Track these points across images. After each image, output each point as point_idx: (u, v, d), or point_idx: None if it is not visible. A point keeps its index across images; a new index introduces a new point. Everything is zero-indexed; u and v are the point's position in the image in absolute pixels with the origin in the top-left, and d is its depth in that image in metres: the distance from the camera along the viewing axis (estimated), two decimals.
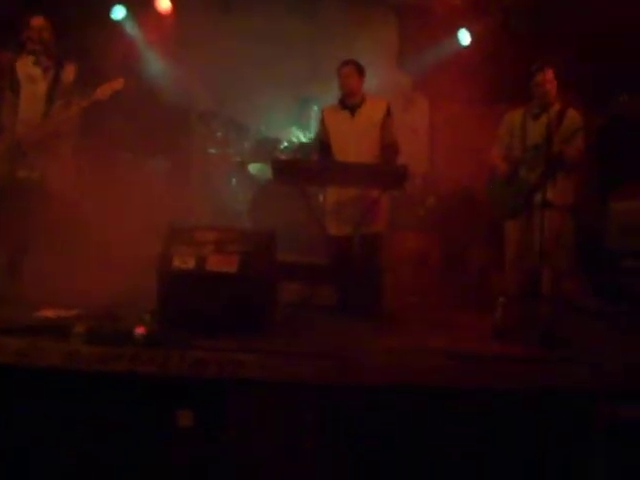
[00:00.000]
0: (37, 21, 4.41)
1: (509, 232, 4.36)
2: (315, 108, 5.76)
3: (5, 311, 3.68)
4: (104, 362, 3.12)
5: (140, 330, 3.28)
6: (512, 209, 4.29)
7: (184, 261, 3.64)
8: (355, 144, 4.49)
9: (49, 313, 3.70)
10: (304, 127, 5.93)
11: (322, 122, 4.71)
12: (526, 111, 4.40)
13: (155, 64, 6.09)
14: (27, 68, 4.45)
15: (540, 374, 3.23)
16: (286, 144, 5.82)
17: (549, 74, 4.30)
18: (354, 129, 4.53)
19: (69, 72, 4.45)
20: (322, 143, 4.70)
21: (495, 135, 4.53)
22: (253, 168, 5.86)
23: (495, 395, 3.16)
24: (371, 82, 4.88)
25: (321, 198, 4.97)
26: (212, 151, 6.08)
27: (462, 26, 6.01)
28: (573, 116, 4.30)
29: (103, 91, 4.32)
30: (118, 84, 4.35)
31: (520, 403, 3.17)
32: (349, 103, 4.58)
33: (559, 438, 3.15)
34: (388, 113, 4.57)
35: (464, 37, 6.05)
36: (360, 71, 4.59)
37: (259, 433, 3.13)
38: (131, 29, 6.08)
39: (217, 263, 3.61)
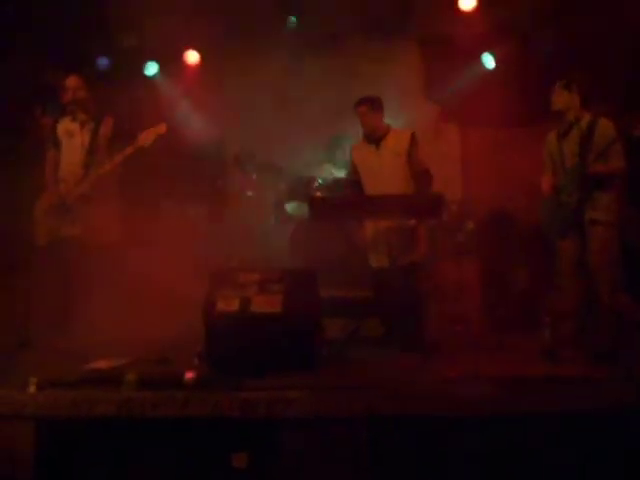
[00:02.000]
0: (72, 81, 4.61)
1: (562, 251, 4.27)
2: (348, 144, 5.82)
3: (58, 365, 3.77)
4: (156, 407, 3.16)
5: (189, 374, 3.32)
6: (561, 230, 4.22)
7: (228, 304, 3.69)
8: (383, 176, 4.54)
9: (100, 364, 3.78)
10: (338, 164, 6.00)
11: (351, 160, 4.82)
12: (558, 131, 4.34)
13: (188, 114, 6.25)
14: (66, 125, 4.64)
15: (598, 393, 3.15)
16: (321, 181, 5.88)
17: (559, 85, 4.19)
18: (380, 161, 4.59)
19: (107, 126, 4.61)
20: (353, 181, 4.79)
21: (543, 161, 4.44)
22: (290, 207, 5.92)
23: (552, 418, 3.10)
24: (399, 115, 4.93)
25: (360, 232, 4.99)
26: (248, 194, 6.17)
27: (485, 51, 6.02)
28: (604, 127, 4.14)
29: (146, 137, 4.44)
30: (161, 129, 4.48)
31: (583, 424, 3.09)
32: (373, 137, 4.65)
33: (621, 459, 3.05)
34: (413, 142, 4.59)
35: (489, 61, 6.06)
36: (375, 107, 4.62)
37: (313, 470, 3.12)
38: (163, 83, 6.28)
39: (261, 304, 3.66)
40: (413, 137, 4.61)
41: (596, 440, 3.08)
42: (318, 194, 5.67)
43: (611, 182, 4.14)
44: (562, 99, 4.21)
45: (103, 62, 6.10)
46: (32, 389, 3.23)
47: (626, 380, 3.24)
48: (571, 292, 4.19)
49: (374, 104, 4.63)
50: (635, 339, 4.02)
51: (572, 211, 4.12)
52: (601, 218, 4.07)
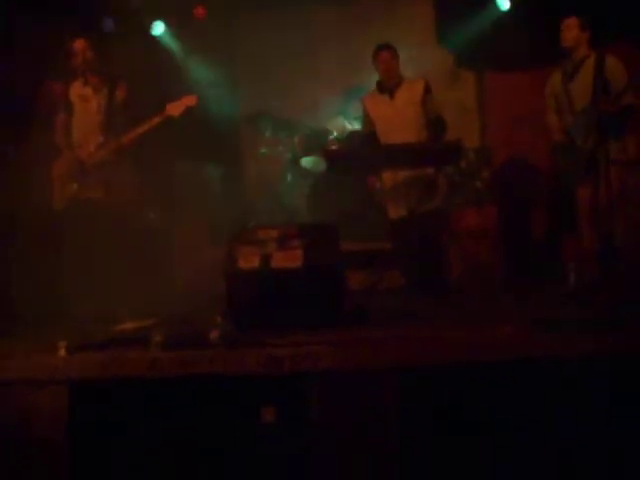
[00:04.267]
0: (79, 44, 4.55)
1: (580, 197, 4.22)
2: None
3: (86, 327, 3.82)
4: (184, 367, 3.19)
5: (214, 333, 3.35)
6: (576, 176, 4.15)
7: (249, 261, 3.68)
8: (398, 125, 4.49)
9: (127, 325, 3.82)
10: (351, 117, 5.92)
11: (364, 111, 4.74)
12: (563, 71, 4.23)
13: (197, 72, 6.17)
14: (79, 90, 4.60)
15: (618, 338, 3.12)
16: (335, 134, 5.81)
17: (570, 22, 4.12)
18: (395, 110, 4.53)
19: (121, 90, 4.56)
20: (368, 132, 4.72)
21: (544, 104, 4.38)
22: (306, 162, 5.88)
23: (574, 362, 3.08)
24: (413, 63, 4.84)
25: (378, 184, 4.95)
26: (263, 151, 6.13)
27: None
28: (614, 65, 4.05)
29: (176, 108, 4.39)
30: (191, 100, 4.42)
31: (604, 369, 3.07)
32: (387, 86, 4.58)
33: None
34: (426, 90, 4.55)
35: (503, 2, 5.88)
36: (396, 54, 4.59)
37: (340, 423, 3.15)
38: (171, 42, 6.19)
39: (282, 259, 3.64)
40: (427, 85, 4.56)
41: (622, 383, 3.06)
42: (334, 147, 5.62)
43: (627, 122, 4.03)
44: (572, 35, 4.11)
45: (109, 23, 6.01)
46: (62, 352, 3.28)
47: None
48: (591, 238, 4.14)
49: (395, 51, 4.58)
50: None
51: (588, 156, 4.03)
52: (617, 158, 3.97)
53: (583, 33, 4.14)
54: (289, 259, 3.63)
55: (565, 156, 4.20)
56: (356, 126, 5.79)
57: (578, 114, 4.11)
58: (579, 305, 3.63)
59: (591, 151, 4.03)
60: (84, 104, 4.57)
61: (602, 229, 4.09)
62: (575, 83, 4.15)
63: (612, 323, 3.19)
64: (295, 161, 5.91)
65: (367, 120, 4.74)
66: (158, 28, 6.15)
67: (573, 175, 4.19)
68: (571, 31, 4.13)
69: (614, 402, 3.01)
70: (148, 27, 6.09)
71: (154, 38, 6.12)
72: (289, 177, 5.95)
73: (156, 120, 4.39)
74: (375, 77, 4.72)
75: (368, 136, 4.75)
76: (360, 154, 4.59)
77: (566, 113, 4.20)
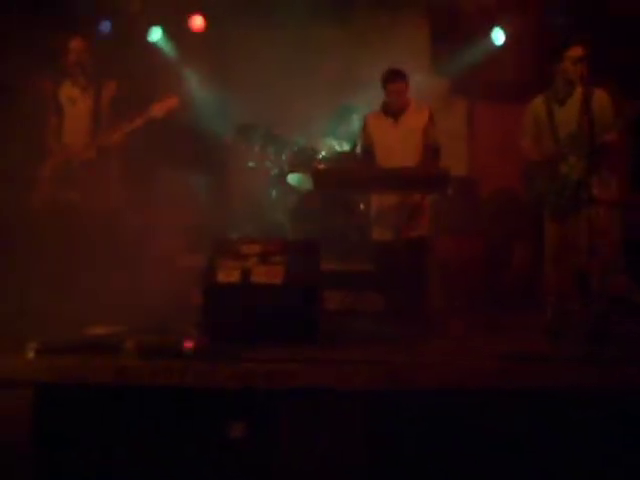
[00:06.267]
0: (75, 43, 4.52)
1: (550, 229, 4.15)
2: (354, 116, 5.73)
3: (55, 330, 3.75)
4: (155, 376, 3.15)
5: (188, 344, 3.31)
6: (557, 208, 4.06)
7: (229, 274, 3.66)
8: (400, 150, 4.46)
9: (98, 330, 3.76)
10: (342, 136, 5.92)
11: (365, 129, 4.67)
12: (548, 97, 4.16)
13: (192, 81, 6.15)
14: (68, 91, 4.56)
15: (595, 374, 3.14)
16: (324, 154, 5.81)
17: (577, 50, 4.03)
18: (398, 135, 4.50)
19: (109, 89, 4.54)
20: (366, 150, 4.67)
21: (521, 127, 4.30)
22: (292, 179, 5.86)
23: (549, 396, 3.09)
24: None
25: (362, 206, 4.94)
26: (251, 165, 6.10)
27: (495, 25, 5.91)
28: (602, 98, 4.02)
29: (159, 109, 4.37)
30: (173, 102, 4.41)
31: (577, 404, 3.08)
32: (393, 109, 4.53)
33: (615, 440, 3.04)
34: (430, 119, 4.52)
35: (498, 36, 5.95)
36: (408, 82, 4.51)
37: (310, 442, 3.11)
38: (168, 49, 6.17)
39: (262, 275, 3.63)
40: (431, 113, 4.53)
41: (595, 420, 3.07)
42: (322, 166, 5.61)
43: (613, 158, 4.03)
44: (577, 68, 4.07)
45: (106, 26, 5.99)
46: (30, 355, 3.21)
47: (617, 361, 3.20)
48: (556, 272, 4.07)
49: (407, 79, 4.50)
50: (632, 321, 3.99)
51: (572, 186, 3.94)
52: (602, 196, 3.93)
53: (583, 66, 4.03)
54: (270, 275, 3.62)
55: (545, 184, 4.08)
56: (345, 147, 5.80)
57: (566, 138, 4.02)
58: (553, 340, 3.64)
59: (576, 184, 3.96)
60: (73, 107, 4.54)
61: (580, 269, 4.05)
62: (562, 111, 4.09)
63: (582, 359, 3.21)
64: (281, 177, 5.89)
65: (366, 137, 4.65)
66: (155, 34, 6.14)
67: (554, 205, 4.10)
68: (576, 63, 4.02)
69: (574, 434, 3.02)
70: (145, 32, 6.08)
71: (150, 44, 6.10)
72: (274, 192, 5.92)
73: (139, 121, 4.37)
74: (369, 97, 4.69)
75: (365, 153, 4.68)
76: (347, 174, 4.58)
77: (547, 139, 4.14)
